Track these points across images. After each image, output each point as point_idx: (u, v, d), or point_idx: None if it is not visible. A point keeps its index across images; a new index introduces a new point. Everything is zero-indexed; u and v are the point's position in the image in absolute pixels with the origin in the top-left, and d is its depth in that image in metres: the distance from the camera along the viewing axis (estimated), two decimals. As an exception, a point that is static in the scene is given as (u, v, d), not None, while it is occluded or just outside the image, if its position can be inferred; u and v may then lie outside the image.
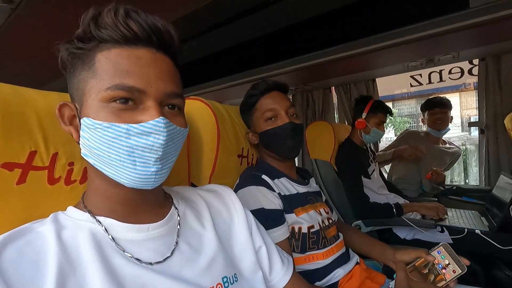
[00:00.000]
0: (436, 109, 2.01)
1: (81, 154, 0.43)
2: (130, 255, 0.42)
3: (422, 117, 2.16)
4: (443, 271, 0.69)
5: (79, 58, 0.41)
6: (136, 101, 0.40)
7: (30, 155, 0.46)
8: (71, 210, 0.44)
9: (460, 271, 0.67)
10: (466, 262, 0.68)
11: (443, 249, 0.71)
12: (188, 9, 1.24)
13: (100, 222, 0.43)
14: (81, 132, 0.41)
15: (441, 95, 2.10)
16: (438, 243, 0.73)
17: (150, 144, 0.39)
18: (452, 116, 2.05)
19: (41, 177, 0.48)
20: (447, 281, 0.68)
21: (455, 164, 2.27)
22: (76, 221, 0.42)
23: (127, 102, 0.40)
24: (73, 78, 0.42)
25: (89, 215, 0.43)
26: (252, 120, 0.91)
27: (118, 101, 0.39)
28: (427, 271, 0.71)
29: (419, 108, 2.18)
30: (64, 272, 0.36)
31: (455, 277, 0.68)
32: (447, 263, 0.69)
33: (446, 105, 2.01)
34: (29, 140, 0.46)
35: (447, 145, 2.14)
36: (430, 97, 2.13)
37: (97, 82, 0.39)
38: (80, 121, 0.41)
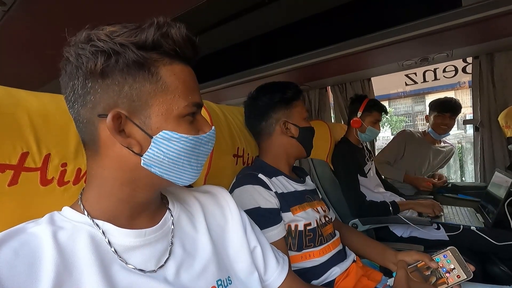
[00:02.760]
0: (447, 114, 1.92)
1: (142, 165, 0.42)
2: (131, 265, 0.42)
3: (427, 114, 2.08)
4: (447, 275, 0.68)
5: (139, 67, 0.40)
6: (195, 114, 0.46)
7: (22, 156, 0.46)
8: (68, 211, 0.44)
9: (465, 277, 0.66)
10: (472, 268, 0.67)
11: (450, 253, 0.70)
12: (182, 10, 1.24)
13: (99, 226, 0.42)
14: (153, 144, 0.41)
15: (434, 95, 2.07)
16: (434, 240, 0.73)
17: (208, 149, 0.48)
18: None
19: (34, 179, 0.47)
20: (449, 285, 0.67)
21: (451, 161, 2.28)
22: (74, 223, 0.42)
23: (192, 116, 0.45)
24: (127, 87, 0.40)
25: (88, 218, 0.42)
26: (290, 113, 0.93)
27: (189, 116, 0.44)
28: (429, 273, 0.70)
29: (415, 107, 2.15)
30: (60, 276, 0.35)
31: (458, 282, 0.67)
32: (452, 267, 0.68)
33: (457, 111, 1.93)
34: (21, 141, 0.46)
35: (442, 144, 2.15)
36: (428, 97, 2.10)
37: (171, 98, 0.42)
38: (148, 133, 0.41)
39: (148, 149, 0.42)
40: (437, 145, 2.10)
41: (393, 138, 2.17)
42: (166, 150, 0.42)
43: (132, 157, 0.42)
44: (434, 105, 2.01)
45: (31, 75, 1.50)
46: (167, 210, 0.52)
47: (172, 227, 0.49)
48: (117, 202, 0.44)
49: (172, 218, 0.51)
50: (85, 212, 0.43)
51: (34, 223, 0.40)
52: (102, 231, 0.42)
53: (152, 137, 0.41)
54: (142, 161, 0.42)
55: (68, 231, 0.40)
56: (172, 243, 0.47)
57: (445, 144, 2.15)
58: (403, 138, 2.09)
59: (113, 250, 0.42)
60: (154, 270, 0.43)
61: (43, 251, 0.36)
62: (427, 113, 2.09)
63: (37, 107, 0.49)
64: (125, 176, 0.43)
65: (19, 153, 0.45)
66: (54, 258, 0.36)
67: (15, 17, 1.03)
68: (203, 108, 0.80)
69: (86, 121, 0.42)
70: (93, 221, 0.42)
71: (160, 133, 0.41)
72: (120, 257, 0.42)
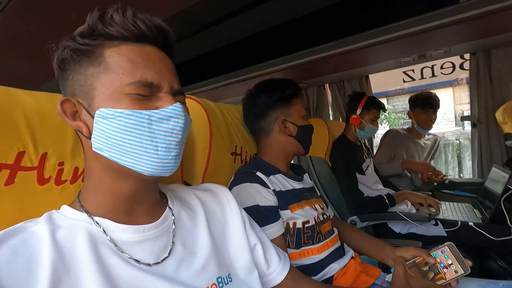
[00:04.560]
0: (430, 110, 1.94)
1: (93, 149, 0.42)
2: (128, 256, 0.42)
3: (409, 111, 2.07)
4: (444, 270, 0.69)
5: (85, 54, 0.42)
6: (152, 95, 0.43)
7: (18, 156, 0.45)
8: (66, 209, 0.44)
9: (463, 272, 0.67)
10: (469, 263, 0.68)
11: (448, 249, 0.71)
12: (181, 7, 1.24)
13: (97, 223, 0.42)
14: (95, 125, 0.41)
15: (436, 92, 2.06)
16: (432, 236, 0.74)
17: (171, 127, 0.42)
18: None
19: (31, 178, 0.47)
20: (446, 280, 0.67)
21: (449, 158, 2.28)
22: (72, 221, 0.42)
23: (147, 96, 0.42)
24: (77, 74, 0.42)
25: (86, 215, 0.43)
26: (288, 111, 0.92)
27: (137, 95, 0.41)
28: (427, 268, 0.71)
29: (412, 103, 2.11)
30: (58, 273, 0.36)
31: (456, 277, 0.67)
32: (449, 263, 0.69)
33: (439, 105, 1.97)
34: (17, 140, 0.46)
35: (426, 137, 2.15)
36: (421, 92, 2.05)
37: (113, 77, 0.41)
38: (92, 114, 0.41)
39: (93, 131, 0.42)
40: (423, 139, 2.12)
41: (382, 140, 2.14)
42: (106, 129, 0.40)
43: (88, 142, 0.43)
44: (415, 101, 2.01)
45: (28, 75, 1.49)
46: (167, 208, 0.52)
47: (174, 226, 0.49)
48: (106, 195, 0.44)
49: (173, 216, 0.51)
50: (82, 209, 0.43)
51: (33, 222, 0.41)
52: (100, 226, 0.42)
53: (93, 117, 0.41)
54: (92, 144, 0.42)
55: (65, 229, 0.40)
56: (173, 242, 0.48)
57: (429, 136, 2.17)
58: (391, 137, 2.08)
59: (112, 244, 0.42)
60: (153, 265, 0.43)
61: (41, 249, 0.37)
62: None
63: (33, 106, 0.49)
64: (96, 164, 0.44)
65: (15, 153, 0.45)
66: (52, 255, 0.36)
67: (10, 15, 1.02)
68: (199, 106, 0.80)
69: None
70: (91, 218, 0.43)
71: (97, 111, 0.41)
72: (117, 247, 0.42)
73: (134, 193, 0.45)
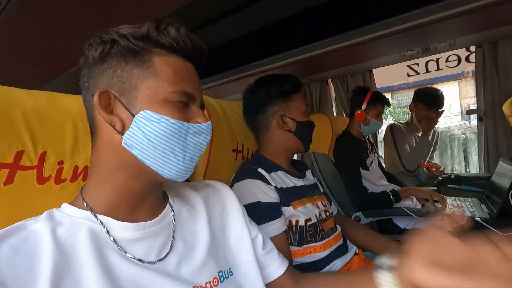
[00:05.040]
0: (434, 109, 1.87)
1: (122, 144, 0.43)
2: (131, 256, 0.42)
3: (411, 104, 2.00)
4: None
5: (133, 54, 0.44)
6: (188, 105, 0.47)
7: (17, 155, 0.45)
8: (66, 207, 0.44)
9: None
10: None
11: None
12: (180, 4, 1.23)
13: (101, 222, 0.43)
14: (134, 123, 0.43)
15: (442, 86, 2.00)
16: None
17: (200, 142, 0.47)
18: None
19: (30, 177, 0.47)
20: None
21: (455, 152, 2.25)
22: (73, 218, 0.42)
23: (183, 105, 0.46)
24: (119, 70, 0.44)
25: (90, 213, 0.43)
26: (287, 107, 0.90)
27: (178, 103, 0.45)
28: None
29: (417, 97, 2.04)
30: (59, 271, 0.36)
31: None
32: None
33: (443, 105, 1.90)
34: (16, 139, 0.46)
35: None
36: (428, 87, 1.96)
37: (159, 83, 0.44)
38: (132, 112, 0.43)
39: (129, 128, 0.43)
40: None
41: (388, 135, 2.05)
42: (146, 130, 0.42)
43: (116, 137, 0.44)
44: (423, 98, 1.92)
45: (29, 75, 1.50)
46: (168, 205, 0.52)
47: (174, 222, 0.50)
48: (114, 191, 0.45)
49: (173, 212, 0.51)
50: (85, 205, 0.44)
51: (33, 220, 0.41)
52: (104, 225, 0.42)
53: (134, 116, 0.43)
54: (123, 140, 0.43)
55: (66, 227, 0.41)
56: (173, 238, 0.48)
57: None
58: (397, 132, 2.03)
59: (113, 241, 0.42)
60: (154, 262, 0.44)
61: (42, 247, 0.37)
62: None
63: (32, 105, 0.49)
64: (115, 159, 0.44)
65: (15, 152, 0.45)
66: (53, 253, 0.36)
67: (10, 16, 1.02)
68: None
69: (88, 106, 0.46)
70: (95, 216, 0.43)
71: (141, 112, 0.43)
72: (119, 246, 0.42)
73: (142, 191, 0.46)
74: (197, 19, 1.64)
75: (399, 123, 2.14)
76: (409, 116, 2.11)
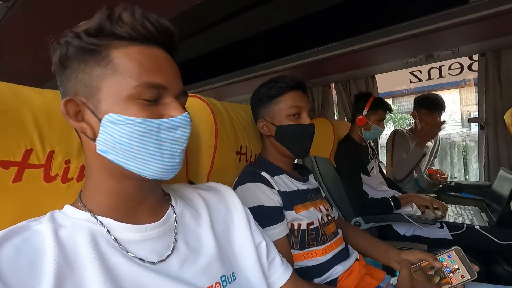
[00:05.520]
0: (436, 112, 1.88)
1: (97, 151, 0.42)
2: (132, 255, 0.42)
3: (414, 111, 2.00)
4: (451, 275, 0.68)
5: (90, 53, 0.41)
6: (159, 98, 0.43)
7: (26, 153, 0.46)
8: (68, 208, 0.44)
9: (470, 277, 0.66)
10: (476, 268, 0.67)
11: (455, 253, 0.70)
12: (186, 6, 1.24)
13: (101, 222, 0.42)
14: (102, 128, 0.41)
15: (443, 93, 2.02)
16: (437, 239, 0.73)
17: (178, 136, 0.43)
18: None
19: (38, 175, 0.47)
20: (452, 285, 0.66)
21: (454, 159, 2.25)
22: (74, 220, 0.42)
23: (154, 99, 0.42)
24: (81, 73, 0.41)
25: (89, 214, 0.43)
26: (270, 111, 0.88)
27: (145, 99, 0.41)
28: (433, 272, 0.70)
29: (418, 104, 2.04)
30: (62, 272, 0.36)
31: (462, 282, 0.66)
32: (456, 267, 0.68)
33: (445, 109, 1.91)
34: (25, 138, 0.46)
35: None
36: (427, 94, 1.98)
37: (120, 80, 0.40)
38: (98, 117, 0.41)
39: (99, 134, 0.41)
40: None
41: (391, 141, 2.06)
42: (114, 134, 0.40)
43: (91, 143, 0.43)
44: (423, 104, 1.94)
45: (34, 71, 1.50)
46: (170, 207, 0.52)
47: (175, 224, 0.49)
48: (107, 195, 0.44)
49: (175, 215, 0.51)
50: (85, 208, 0.43)
51: (36, 221, 0.41)
52: (104, 226, 0.42)
53: (100, 121, 0.41)
54: (96, 146, 0.42)
55: (68, 229, 0.40)
56: (175, 240, 0.47)
57: None
58: (400, 138, 2.03)
59: (116, 244, 0.42)
60: (156, 263, 0.43)
61: (44, 248, 0.37)
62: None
63: (40, 104, 0.49)
64: (98, 165, 0.44)
65: (23, 150, 0.46)
66: (56, 254, 0.36)
67: (18, 14, 1.03)
68: (205, 105, 0.80)
69: None
70: (95, 217, 0.43)
71: (105, 116, 0.40)
72: (121, 246, 0.42)
73: (135, 193, 0.46)
74: (203, 21, 1.65)
75: (404, 129, 2.14)
76: (413, 123, 2.11)
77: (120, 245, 0.42)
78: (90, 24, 0.41)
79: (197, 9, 1.27)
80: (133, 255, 0.42)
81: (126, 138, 0.40)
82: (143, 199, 0.47)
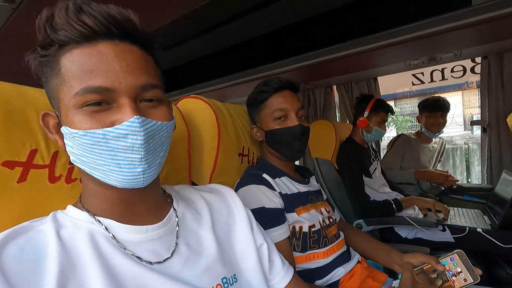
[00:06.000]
0: (438, 113, 1.94)
1: (71, 161, 0.42)
2: (131, 253, 0.42)
3: (418, 115, 2.10)
4: (453, 278, 0.67)
5: (47, 65, 0.39)
6: (109, 101, 0.38)
7: (30, 154, 0.46)
8: (70, 209, 0.44)
9: (472, 281, 0.66)
10: (479, 272, 0.67)
11: (457, 257, 0.70)
12: (189, 8, 1.24)
13: (99, 222, 0.43)
14: (65, 141, 0.41)
15: (445, 96, 2.05)
16: (439, 242, 0.72)
17: (129, 145, 0.38)
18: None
19: (42, 176, 0.48)
20: None
21: (457, 162, 2.26)
22: (75, 220, 0.42)
23: (100, 104, 0.38)
24: (47, 87, 0.41)
25: (88, 214, 0.43)
26: (259, 116, 0.89)
27: (90, 105, 0.38)
28: (436, 276, 0.69)
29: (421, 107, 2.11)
30: (65, 272, 0.36)
31: (465, 285, 0.66)
32: (459, 270, 0.68)
33: (448, 110, 1.96)
34: (30, 138, 0.47)
35: (434, 140, 2.14)
36: (430, 96, 2.05)
37: (67, 89, 0.38)
38: (61, 130, 0.41)
39: (66, 146, 0.42)
40: (430, 143, 2.11)
41: (392, 143, 2.15)
42: (71, 146, 0.40)
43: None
44: (424, 105, 2.03)
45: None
46: (172, 209, 0.52)
47: (177, 228, 0.49)
48: (100, 199, 0.44)
49: (176, 217, 0.51)
50: (83, 209, 0.44)
51: (39, 222, 0.41)
52: (102, 225, 0.42)
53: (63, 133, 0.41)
54: (70, 156, 0.42)
55: (69, 229, 0.41)
56: (176, 243, 0.47)
57: (436, 140, 2.16)
58: (402, 141, 2.09)
59: (115, 241, 0.42)
60: (157, 263, 0.43)
61: (47, 247, 0.37)
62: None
63: (45, 104, 0.50)
64: (82, 172, 0.43)
65: (28, 150, 0.46)
66: (58, 254, 0.36)
67: (23, 15, 1.04)
68: (208, 106, 0.81)
69: None
70: (93, 217, 0.43)
71: (61, 128, 0.40)
72: (121, 246, 0.42)
73: (126, 198, 0.45)
74: (205, 23, 1.66)
75: (410, 133, 2.17)
76: (415, 125, 2.15)
77: (121, 245, 0.42)
78: (39, 35, 0.38)
79: (200, 11, 1.27)
80: (134, 256, 0.42)
81: (80, 150, 0.39)
82: (138, 203, 0.46)
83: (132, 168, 0.39)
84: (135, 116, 0.37)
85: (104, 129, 0.37)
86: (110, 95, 0.38)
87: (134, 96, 0.40)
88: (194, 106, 0.82)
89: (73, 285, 0.36)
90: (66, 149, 0.42)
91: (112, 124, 0.38)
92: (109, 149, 0.38)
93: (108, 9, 0.39)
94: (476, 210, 1.49)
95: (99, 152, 0.38)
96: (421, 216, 1.46)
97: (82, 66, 0.37)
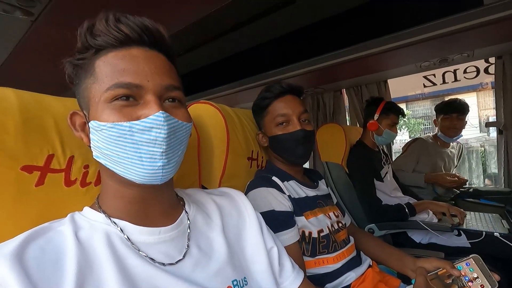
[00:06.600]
0: (454, 115, 1.88)
1: (94, 157, 0.45)
2: (144, 254, 0.43)
3: (434, 119, 2.07)
4: (469, 284, 0.65)
5: (82, 68, 0.44)
6: (136, 97, 0.42)
7: (48, 158, 0.48)
8: (87, 210, 0.46)
9: (490, 287, 0.63)
10: (497, 277, 0.64)
11: (473, 261, 0.67)
12: (198, 16, 1.27)
13: (115, 223, 0.44)
14: (90, 136, 0.44)
15: (459, 97, 2.00)
16: (454, 247, 0.70)
17: (153, 138, 0.41)
18: (466, 121, 1.95)
19: (58, 179, 0.50)
20: None
21: (473, 165, 2.20)
22: (91, 222, 0.44)
23: (128, 99, 0.42)
24: (79, 88, 0.45)
25: (104, 216, 0.45)
26: (263, 122, 0.91)
27: (119, 99, 0.41)
28: (451, 281, 0.67)
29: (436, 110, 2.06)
30: (82, 272, 0.37)
31: None
32: (475, 276, 0.65)
33: (464, 111, 1.89)
34: (47, 144, 0.49)
35: (452, 145, 2.09)
36: (447, 98, 2.00)
37: (99, 86, 0.42)
38: (89, 126, 0.44)
39: (90, 141, 0.45)
40: (448, 147, 2.06)
41: (407, 146, 2.11)
42: (97, 140, 0.43)
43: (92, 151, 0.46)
44: (439, 108, 1.99)
45: (54, 81, 1.57)
46: (184, 211, 0.53)
47: (189, 230, 0.50)
48: (117, 199, 0.46)
49: (188, 220, 0.52)
50: (100, 210, 0.45)
51: (58, 223, 0.43)
52: (118, 226, 0.44)
53: (90, 129, 0.44)
54: (93, 152, 0.45)
55: (86, 230, 0.42)
56: (188, 246, 0.48)
57: (453, 144, 2.11)
58: (418, 146, 2.04)
59: (129, 243, 0.43)
60: (170, 265, 0.44)
61: (66, 248, 0.38)
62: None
63: (61, 111, 0.52)
64: (103, 170, 0.47)
65: (45, 155, 0.48)
66: (76, 254, 0.38)
67: (41, 27, 1.09)
68: (217, 111, 0.82)
69: None
70: (109, 218, 0.44)
71: (89, 123, 0.43)
72: (139, 250, 0.43)
73: (142, 198, 0.47)
74: (215, 29, 1.69)
75: (428, 136, 2.13)
76: (427, 128, 2.10)
77: (135, 246, 0.43)
78: (78, 41, 0.44)
79: (210, 19, 1.30)
80: (147, 257, 0.43)
81: (105, 143, 0.42)
82: (152, 203, 0.48)
83: (153, 162, 0.42)
84: (160, 111, 0.41)
85: (131, 122, 0.40)
86: (138, 92, 0.42)
87: (159, 95, 0.43)
88: (204, 111, 0.83)
89: (90, 284, 0.37)
90: (91, 145, 0.45)
91: (138, 118, 0.41)
92: (133, 142, 0.41)
93: (143, 20, 0.44)
94: (493, 214, 1.44)
95: (123, 145, 0.41)
96: (435, 220, 1.42)
97: (115, 67, 0.42)
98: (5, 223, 0.43)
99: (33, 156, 0.47)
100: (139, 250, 0.43)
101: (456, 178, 1.86)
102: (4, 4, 0.91)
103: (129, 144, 0.41)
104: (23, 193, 0.45)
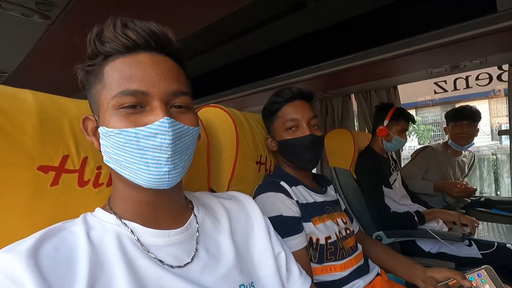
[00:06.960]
0: (464, 122, 1.83)
1: (104, 161, 0.46)
2: (154, 256, 0.44)
3: (445, 126, 2.02)
4: None
5: (92, 74, 0.45)
6: (143, 104, 0.42)
7: (63, 159, 0.49)
8: (98, 211, 0.47)
9: None
10: None
11: (485, 272, 0.66)
12: (209, 21, 1.29)
13: (125, 225, 0.45)
14: (100, 141, 0.45)
15: (471, 104, 1.95)
16: (465, 258, 0.69)
17: (158, 144, 0.41)
18: (479, 128, 1.89)
19: (72, 180, 0.51)
20: None
21: (484, 174, 2.16)
22: (103, 223, 0.45)
23: (135, 107, 0.42)
24: (90, 93, 0.46)
25: (115, 217, 0.45)
26: (273, 127, 0.91)
27: (126, 107, 0.42)
28: None
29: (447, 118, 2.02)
30: (94, 271, 0.38)
31: None
32: (487, 287, 0.65)
33: (475, 118, 1.84)
34: (63, 144, 0.50)
35: (464, 153, 2.04)
36: (458, 105, 1.99)
37: (107, 92, 0.43)
38: (98, 131, 0.45)
39: (100, 146, 0.45)
40: (459, 156, 2.02)
41: (416, 155, 2.07)
42: (106, 145, 0.44)
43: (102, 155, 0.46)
44: (449, 114, 1.94)
45: (69, 82, 1.61)
46: (193, 215, 0.53)
47: (197, 234, 0.51)
48: (127, 201, 0.47)
49: (197, 224, 0.52)
50: (111, 211, 0.46)
51: (71, 223, 0.44)
52: (128, 228, 0.45)
53: (99, 134, 0.45)
54: (103, 157, 0.46)
55: (98, 231, 0.43)
56: (196, 249, 0.49)
57: (465, 153, 2.06)
58: (427, 154, 2.00)
59: (139, 244, 0.44)
60: (178, 267, 0.45)
61: (79, 248, 0.39)
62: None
63: (76, 113, 0.53)
64: (113, 173, 0.47)
65: (61, 156, 0.49)
66: (89, 254, 0.39)
67: (57, 31, 1.12)
68: (227, 115, 0.83)
69: None
70: (120, 220, 0.45)
71: (98, 129, 0.44)
72: (148, 251, 0.44)
73: (151, 201, 0.47)
74: (224, 34, 1.71)
75: (438, 143, 2.09)
76: (437, 135, 2.07)
77: (145, 248, 0.44)
78: (88, 48, 0.44)
79: (220, 23, 1.31)
80: (156, 259, 0.44)
81: (113, 148, 0.43)
82: (162, 207, 0.48)
83: (159, 168, 0.42)
84: (165, 117, 0.41)
85: (136, 128, 0.41)
86: (144, 98, 0.42)
87: (165, 101, 0.43)
88: (213, 115, 0.84)
89: (101, 283, 0.38)
90: (101, 149, 0.46)
91: (144, 125, 0.41)
92: (139, 148, 0.41)
93: (149, 25, 0.44)
94: (506, 224, 1.41)
95: (130, 150, 0.41)
96: (445, 229, 1.39)
97: (122, 73, 0.42)
98: (21, 222, 0.45)
99: (49, 156, 0.48)
100: (148, 252, 0.44)
101: (463, 187, 1.82)
102: (23, 8, 0.94)
103: (136, 150, 0.41)
104: (39, 193, 0.46)
